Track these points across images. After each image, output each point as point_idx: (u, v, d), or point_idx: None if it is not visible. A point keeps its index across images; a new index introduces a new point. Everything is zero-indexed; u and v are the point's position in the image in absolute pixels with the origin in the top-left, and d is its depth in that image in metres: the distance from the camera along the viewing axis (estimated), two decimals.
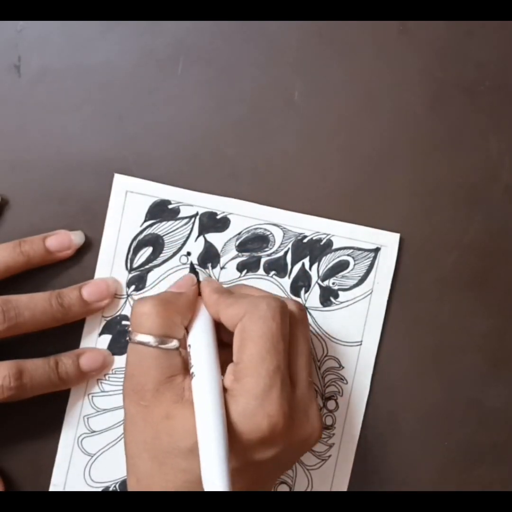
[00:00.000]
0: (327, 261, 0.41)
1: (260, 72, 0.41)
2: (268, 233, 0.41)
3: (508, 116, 0.41)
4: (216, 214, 0.40)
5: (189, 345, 0.35)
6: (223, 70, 0.41)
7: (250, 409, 0.32)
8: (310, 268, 0.41)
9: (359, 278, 0.41)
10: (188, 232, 0.40)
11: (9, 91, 0.41)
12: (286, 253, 0.41)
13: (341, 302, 0.41)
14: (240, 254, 0.41)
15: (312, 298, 0.41)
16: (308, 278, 0.41)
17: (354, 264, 0.41)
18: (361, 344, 0.41)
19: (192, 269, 0.40)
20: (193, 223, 0.40)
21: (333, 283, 0.41)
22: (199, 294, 0.37)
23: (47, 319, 0.38)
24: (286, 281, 0.41)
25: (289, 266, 0.41)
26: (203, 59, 0.41)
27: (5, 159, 0.40)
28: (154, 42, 0.41)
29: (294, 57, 0.41)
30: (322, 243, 0.41)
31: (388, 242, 0.41)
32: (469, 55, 0.41)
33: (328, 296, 0.41)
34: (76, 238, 0.40)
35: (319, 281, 0.41)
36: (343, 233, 0.41)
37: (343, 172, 0.41)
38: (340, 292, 0.41)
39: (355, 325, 0.41)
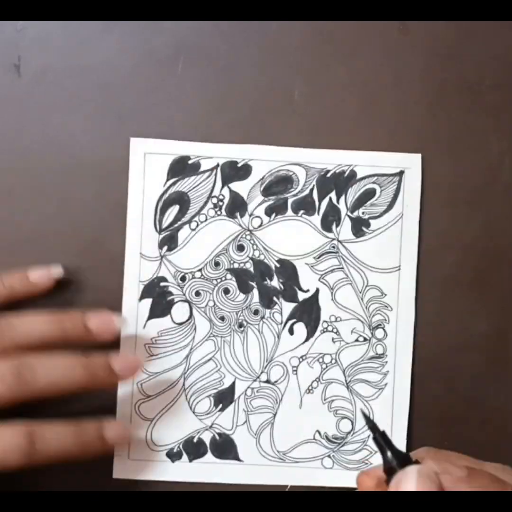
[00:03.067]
0: (353, 192, 0.41)
1: (260, 72, 0.41)
2: (291, 173, 0.41)
3: (508, 115, 0.41)
4: (236, 162, 0.41)
5: None
6: (223, 70, 0.41)
7: None
8: (337, 202, 0.41)
9: (388, 203, 0.41)
10: (212, 184, 0.41)
11: (9, 90, 0.41)
12: (311, 190, 0.41)
13: (374, 230, 0.41)
14: (266, 198, 0.41)
15: (344, 230, 0.41)
16: (337, 211, 0.41)
17: (381, 191, 0.41)
18: (399, 269, 0.41)
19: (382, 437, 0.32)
20: (215, 174, 0.41)
21: (363, 213, 0.41)
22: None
23: (68, 386, 0.36)
24: (316, 218, 0.41)
25: (317, 203, 0.41)
26: (203, 59, 0.41)
27: (5, 159, 0.40)
28: (154, 42, 0.41)
29: (294, 57, 0.41)
30: (345, 175, 0.41)
31: (411, 163, 0.41)
32: (469, 55, 0.41)
33: (359, 227, 0.41)
34: (119, 323, 0.39)
35: (349, 213, 0.41)
36: (365, 162, 0.41)
37: None
38: (371, 221, 0.41)
39: (390, 251, 0.41)
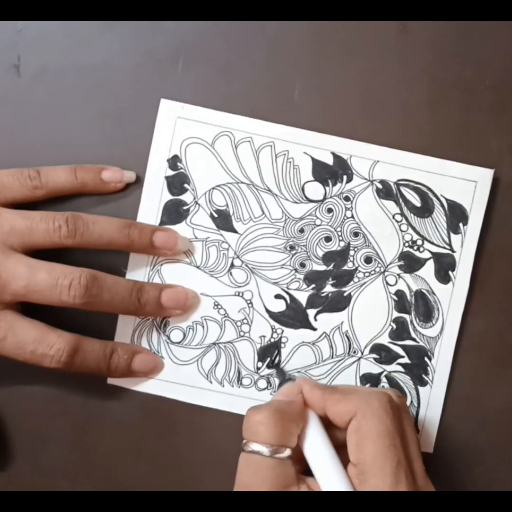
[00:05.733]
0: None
1: (260, 72, 0.41)
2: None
3: (508, 115, 0.41)
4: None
5: (307, 455, 0.35)
6: (222, 70, 0.41)
7: None
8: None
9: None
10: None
11: (9, 90, 0.41)
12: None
13: None
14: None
15: None
16: None
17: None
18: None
19: (283, 376, 0.40)
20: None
21: None
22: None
23: (120, 307, 0.39)
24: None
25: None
26: (202, 59, 0.41)
27: (4, 158, 0.40)
28: (153, 42, 0.41)
29: (293, 57, 0.41)
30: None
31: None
32: (468, 55, 0.41)
33: None
34: (182, 244, 0.40)
35: None
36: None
37: None
38: None
39: None
